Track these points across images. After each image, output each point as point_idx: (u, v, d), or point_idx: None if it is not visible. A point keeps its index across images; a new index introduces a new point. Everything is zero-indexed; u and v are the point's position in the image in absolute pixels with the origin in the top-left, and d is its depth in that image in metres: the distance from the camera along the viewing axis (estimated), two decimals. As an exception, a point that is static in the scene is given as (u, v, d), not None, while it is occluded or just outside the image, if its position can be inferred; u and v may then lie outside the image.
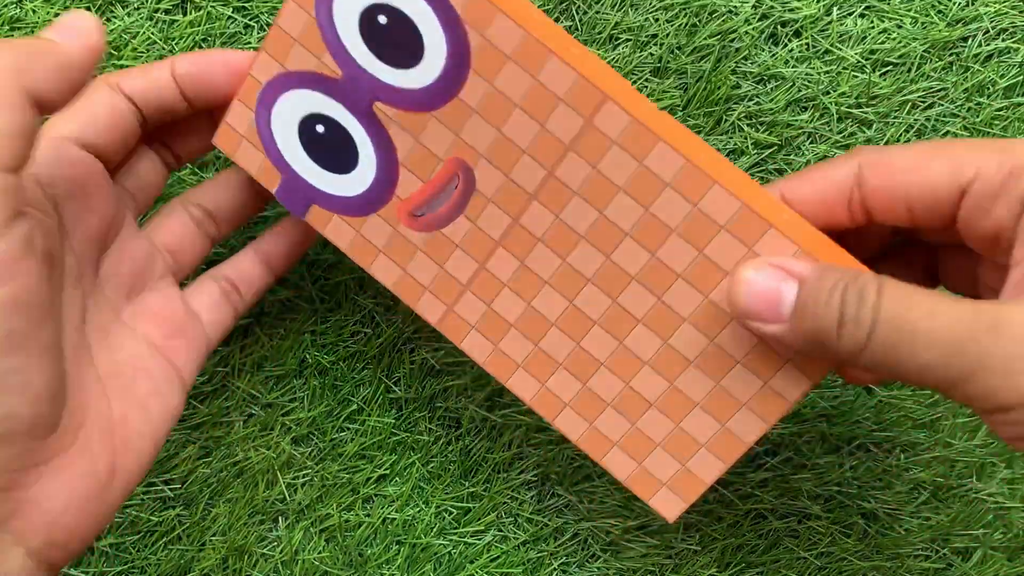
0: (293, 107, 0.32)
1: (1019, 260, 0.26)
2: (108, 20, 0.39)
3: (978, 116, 0.40)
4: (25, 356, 0.25)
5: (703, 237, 0.29)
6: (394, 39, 0.29)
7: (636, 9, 0.39)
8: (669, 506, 0.32)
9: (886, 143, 0.40)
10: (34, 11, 0.39)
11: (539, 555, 0.40)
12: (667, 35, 0.39)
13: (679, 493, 0.32)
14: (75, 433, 0.27)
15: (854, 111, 0.40)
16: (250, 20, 0.38)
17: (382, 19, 0.29)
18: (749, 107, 0.39)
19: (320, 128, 0.31)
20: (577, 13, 0.39)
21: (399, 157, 0.31)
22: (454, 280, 0.32)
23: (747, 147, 0.39)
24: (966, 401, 0.24)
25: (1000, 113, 0.40)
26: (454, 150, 0.30)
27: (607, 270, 0.30)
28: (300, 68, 0.31)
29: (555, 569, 0.40)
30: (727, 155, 0.39)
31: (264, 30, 0.38)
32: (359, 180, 0.32)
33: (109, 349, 0.30)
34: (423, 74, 0.30)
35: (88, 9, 0.39)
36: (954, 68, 0.40)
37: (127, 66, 0.38)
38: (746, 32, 0.39)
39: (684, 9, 0.39)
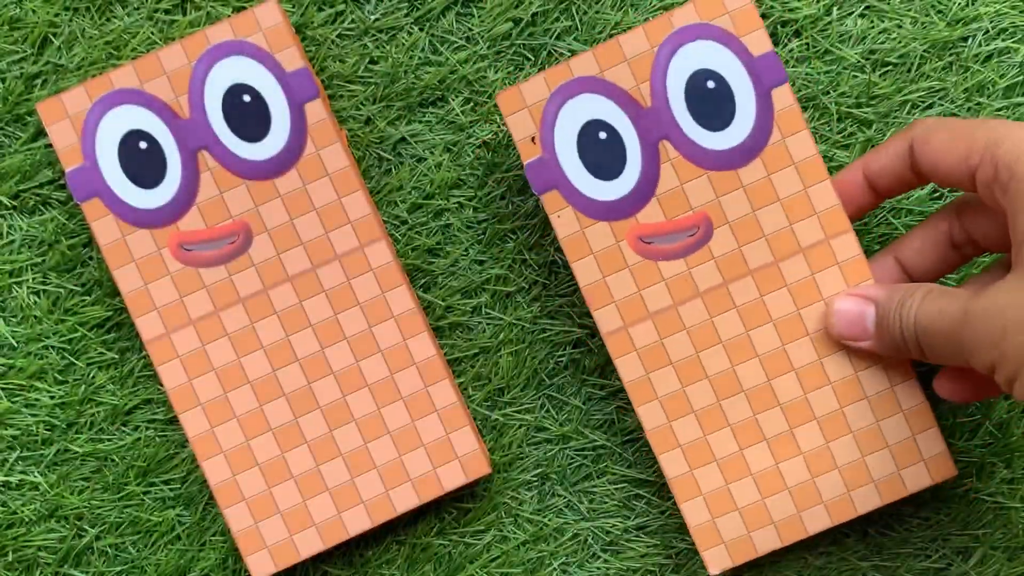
0: (128, 117, 0.36)
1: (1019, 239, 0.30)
2: (108, 20, 0.39)
3: (978, 116, 0.40)
4: None
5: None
6: (249, 114, 0.37)
7: (636, 9, 0.39)
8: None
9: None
10: (34, 11, 0.39)
11: (539, 555, 0.40)
12: (667, 35, 0.39)
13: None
14: None
15: (854, 111, 0.40)
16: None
17: (246, 97, 0.36)
18: (749, 107, 0.39)
19: (143, 145, 0.36)
20: (577, 13, 0.39)
21: (197, 199, 0.37)
22: (183, 308, 0.37)
23: (747, 147, 0.39)
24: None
25: (1000, 113, 0.40)
26: (246, 215, 0.37)
27: (316, 360, 0.37)
28: (154, 92, 0.36)
29: (555, 569, 0.40)
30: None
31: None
32: (150, 199, 0.37)
33: None
34: (258, 150, 0.37)
35: (88, 9, 0.39)
36: (954, 68, 0.40)
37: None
38: (746, 32, 0.39)
39: (684, 9, 0.39)
